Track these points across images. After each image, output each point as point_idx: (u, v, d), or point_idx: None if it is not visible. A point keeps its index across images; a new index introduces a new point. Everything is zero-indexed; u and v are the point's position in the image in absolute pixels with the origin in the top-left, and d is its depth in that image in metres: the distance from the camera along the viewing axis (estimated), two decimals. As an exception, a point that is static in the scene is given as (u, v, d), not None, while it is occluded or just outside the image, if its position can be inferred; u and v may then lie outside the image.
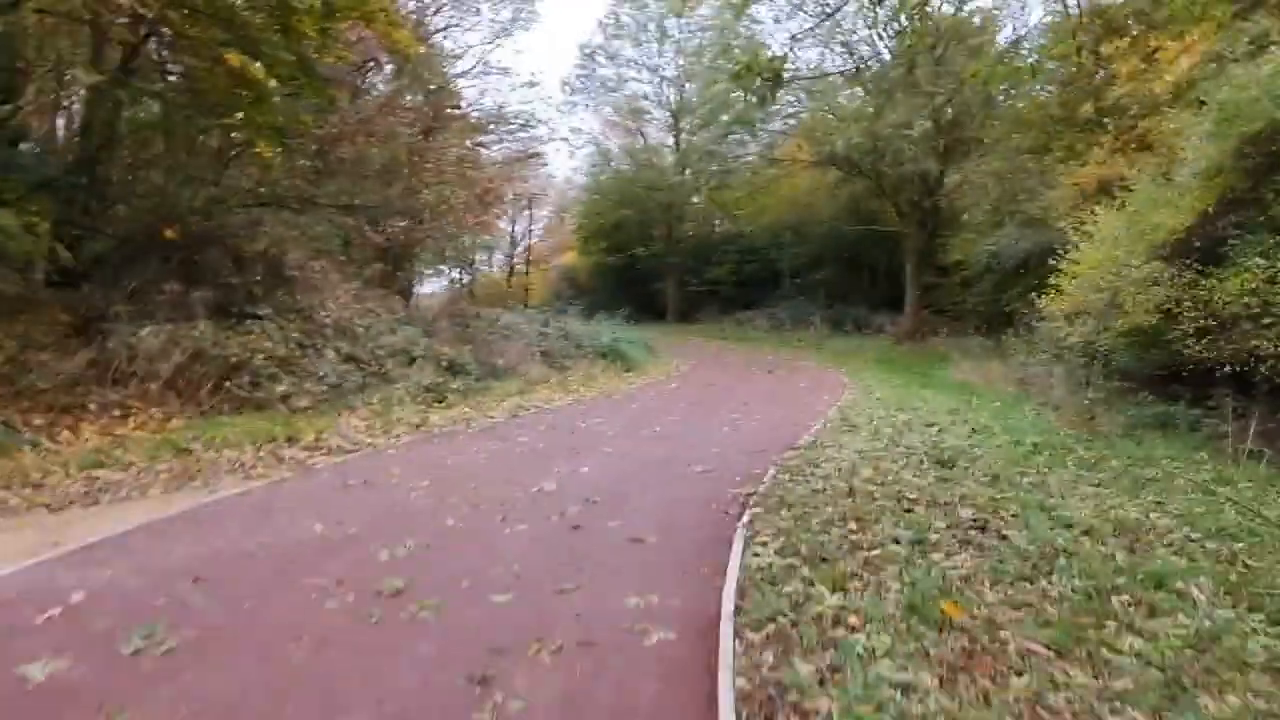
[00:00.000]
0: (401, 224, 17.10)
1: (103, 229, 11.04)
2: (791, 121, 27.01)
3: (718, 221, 40.30)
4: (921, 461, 8.04)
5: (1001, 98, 21.45)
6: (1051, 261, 17.33)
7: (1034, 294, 18.18)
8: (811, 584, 4.37)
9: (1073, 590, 4.35)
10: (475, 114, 33.25)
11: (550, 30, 61.55)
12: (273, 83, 9.28)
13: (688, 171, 36.74)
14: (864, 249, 33.06)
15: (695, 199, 38.99)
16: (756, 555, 4.95)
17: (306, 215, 14.81)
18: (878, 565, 4.75)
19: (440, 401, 11.07)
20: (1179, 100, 14.24)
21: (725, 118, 26.93)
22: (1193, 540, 5.49)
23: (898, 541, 5.28)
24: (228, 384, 9.58)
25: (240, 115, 10.19)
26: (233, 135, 12.65)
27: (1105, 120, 16.88)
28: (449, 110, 32.72)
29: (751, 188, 32.30)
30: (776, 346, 27.14)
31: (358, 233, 15.70)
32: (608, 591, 4.29)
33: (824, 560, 4.86)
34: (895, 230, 28.86)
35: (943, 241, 27.44)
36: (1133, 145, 16.68)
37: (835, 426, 10.37)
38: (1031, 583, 4.49)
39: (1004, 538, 5.53)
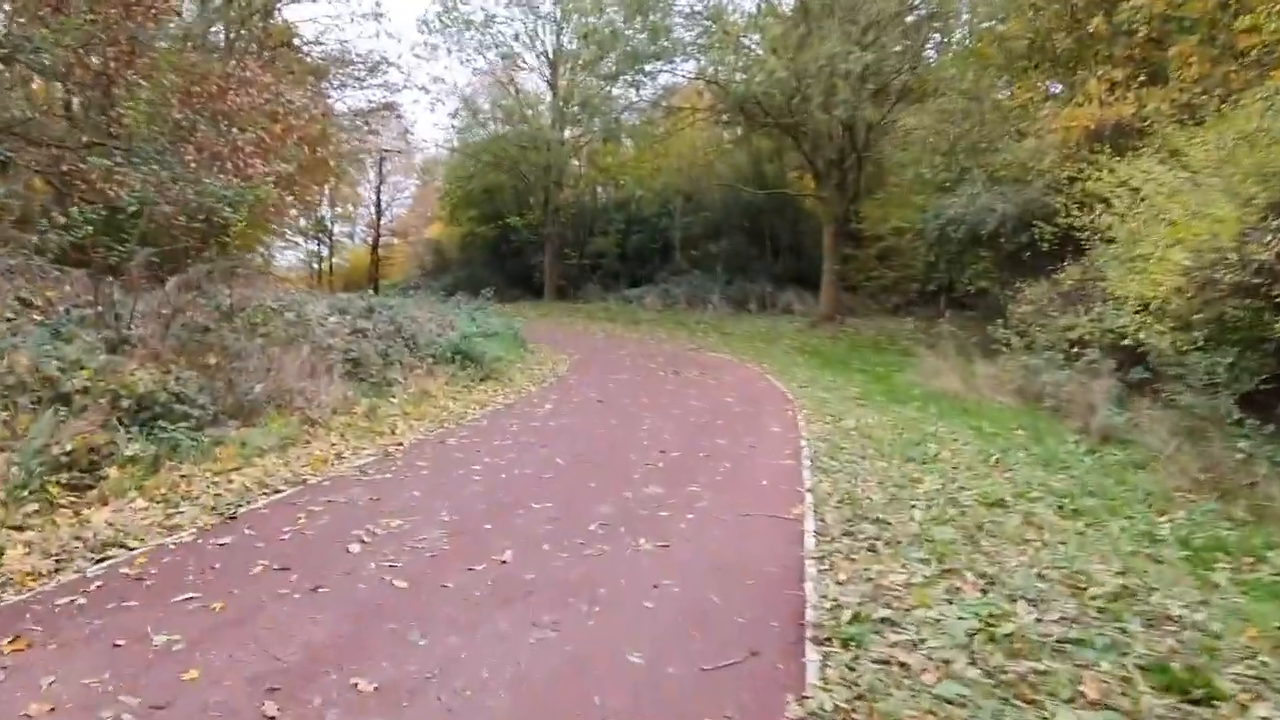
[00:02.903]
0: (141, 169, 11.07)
1: None
2: (691, 63, 21.93)
3: (601, 187, 35.09)
4: (1134, 679, 3.28)
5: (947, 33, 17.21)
6: (1036, 227, 13.18)
7: (1014, 270, 14.01)
8: None
9: None
10: (311, 54, 27.01)
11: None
12: None
13: (567, 130, 31.17)
14: (766, 217, 28.66)
15: (576, 161, 33.58)
16: None
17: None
18: None
19: (83, 490, 5.48)
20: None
21: (611, 59, 21.56)
22: None
23: None
24: None
25: None
26: None
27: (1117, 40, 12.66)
28: (280, 47, 26.43)
29: (641, 144, 27.24)
30: (673, 330, 22.28)
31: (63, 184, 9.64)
32: None
33: None
34: (806, 194, 24.55)
35: (858, 208, 23.29)
36: (1141, 78, 12.58)
37: (843, 521, 5.48)
38: None
39: None
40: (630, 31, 20.80)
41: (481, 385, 11.56)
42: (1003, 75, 15.12)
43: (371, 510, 5.53)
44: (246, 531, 5.02)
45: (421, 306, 15.57)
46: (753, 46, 19.82)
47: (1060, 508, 6.04)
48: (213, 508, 5.40)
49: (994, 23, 15.74)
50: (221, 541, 4.82)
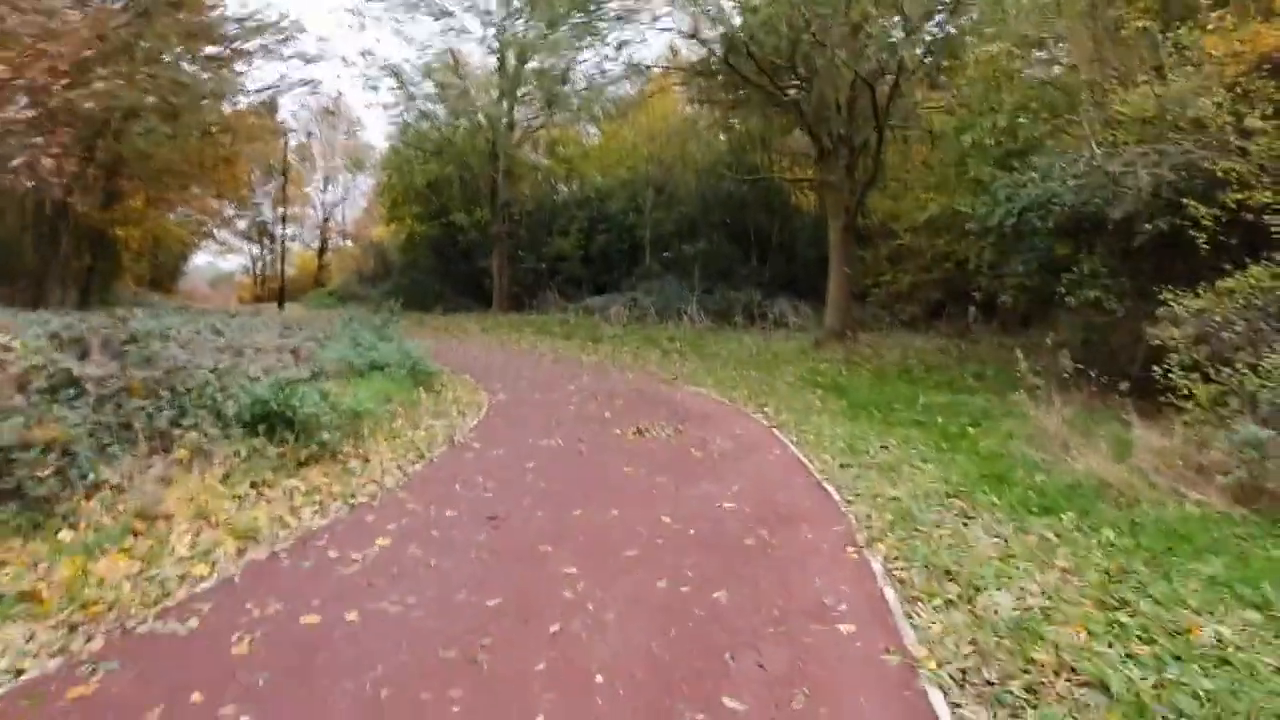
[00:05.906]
0: None
1: None
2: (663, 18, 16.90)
3: (563, 183, 29.99)
4: None
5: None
6: (1189, 207, 8.39)
7: (1136, 272, 9.19)
8: None
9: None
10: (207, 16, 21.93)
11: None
12: None
13: (519, 111, 26.12)
14: (750, 212, 23.78)
15: (534, 152, 28.52)
16: None
17: None
18: None
19: None
20: None
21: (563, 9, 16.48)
22: None
23: None
24: None
25: None
26: None
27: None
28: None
29: (601, 115, 22.33)
30: (640, 351, 17.30)
31: None
32: None
33: None
34: (808, 180, 19.79)
35: (867, 197, 18.42)
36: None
37: None
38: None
39: None
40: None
41: (297, 475, 6.46)
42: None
43: None
44: None
45: (270, 327, 10.41)
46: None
47: None
48: None
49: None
50: None
